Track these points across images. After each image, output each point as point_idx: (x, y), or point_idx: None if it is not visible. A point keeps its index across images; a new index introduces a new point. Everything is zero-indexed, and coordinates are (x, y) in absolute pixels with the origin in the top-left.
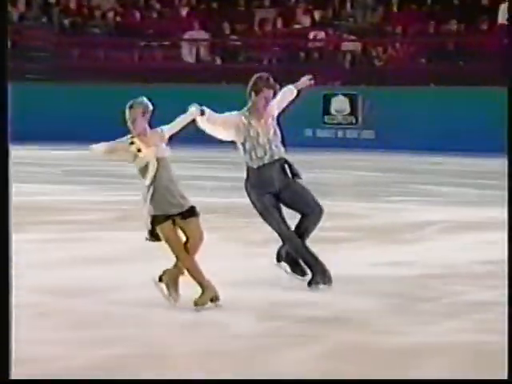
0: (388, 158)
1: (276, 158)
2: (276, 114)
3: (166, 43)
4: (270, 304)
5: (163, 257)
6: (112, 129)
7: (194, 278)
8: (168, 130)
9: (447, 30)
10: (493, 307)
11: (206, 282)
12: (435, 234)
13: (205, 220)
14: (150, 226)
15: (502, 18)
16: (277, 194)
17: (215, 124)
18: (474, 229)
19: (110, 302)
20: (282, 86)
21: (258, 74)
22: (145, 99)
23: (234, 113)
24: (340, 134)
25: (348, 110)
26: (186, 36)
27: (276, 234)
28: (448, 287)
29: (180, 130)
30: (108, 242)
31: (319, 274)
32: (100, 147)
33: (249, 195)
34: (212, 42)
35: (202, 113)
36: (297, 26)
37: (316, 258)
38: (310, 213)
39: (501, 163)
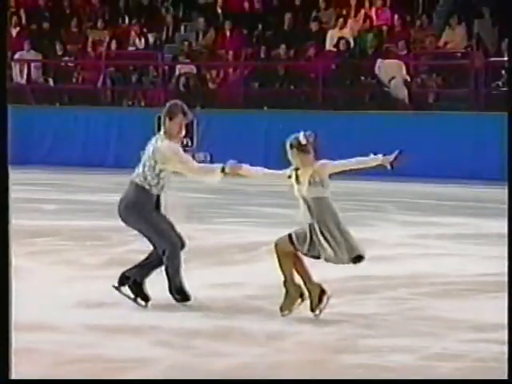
0: (222, 180)
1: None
2: None
3: None
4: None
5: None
6: None
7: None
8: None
9: (277, 55)
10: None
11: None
12: (265, 255)
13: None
14: None
15: (329, 44)
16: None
17: None
18: None
19: None
20: (111, 103)
21: (173, 101)
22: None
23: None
24: None
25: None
26: (17, 56)
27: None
28: (277, 307)
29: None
30: None
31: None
32: None
33: (139, 215)
34: (44, 63)
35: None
36: (131, 48)
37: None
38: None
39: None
